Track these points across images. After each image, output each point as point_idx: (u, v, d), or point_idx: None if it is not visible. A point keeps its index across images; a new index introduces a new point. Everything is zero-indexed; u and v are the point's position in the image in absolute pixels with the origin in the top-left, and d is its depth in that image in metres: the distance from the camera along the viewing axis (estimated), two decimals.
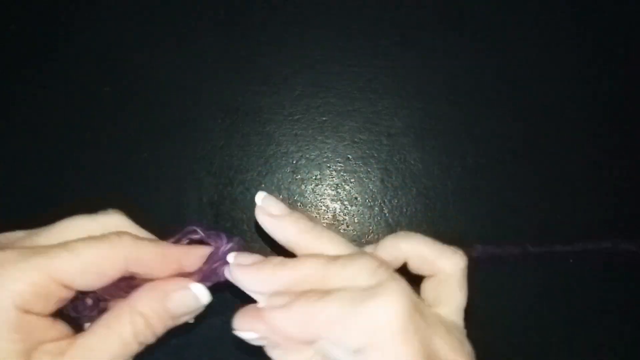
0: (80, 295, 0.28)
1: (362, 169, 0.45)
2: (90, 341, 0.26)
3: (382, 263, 0.27)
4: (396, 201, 0.44)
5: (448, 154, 0.45)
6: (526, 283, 0.43)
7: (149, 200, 0.43)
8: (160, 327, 0.28)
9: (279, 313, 0.27)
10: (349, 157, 0.45)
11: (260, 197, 0.31)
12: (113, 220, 0.29)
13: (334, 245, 0.29)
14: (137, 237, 0.28)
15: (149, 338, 0.28)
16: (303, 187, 0.45)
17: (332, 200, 0.45)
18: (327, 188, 0.45)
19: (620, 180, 0.44)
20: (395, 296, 0.25)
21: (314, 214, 0.44)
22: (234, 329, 0.28)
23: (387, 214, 0.44)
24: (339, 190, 0.45)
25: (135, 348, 0.27)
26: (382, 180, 0.45)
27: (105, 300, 0.29)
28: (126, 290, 0.28)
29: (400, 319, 0.24)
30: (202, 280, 0.29)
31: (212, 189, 0.44)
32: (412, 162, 0.45)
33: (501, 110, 0.45)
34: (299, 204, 0.44)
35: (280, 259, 0.28)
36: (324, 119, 0.45)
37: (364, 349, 0.25)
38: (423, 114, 0.45)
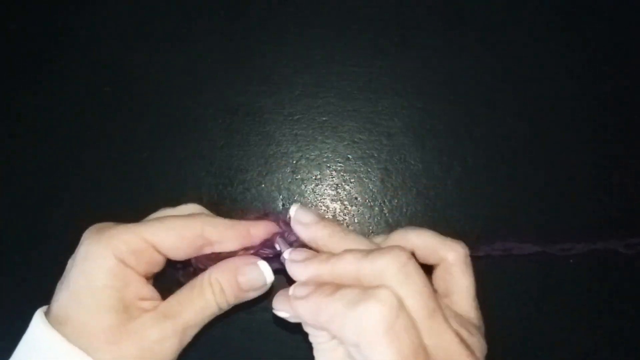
0: (182, 265, 0.35)
1: (362, 169, 0.45)
2: (178, 298, 0.32)
3: (411, 257, 0.29)
4: (396, 201, 0.44)
5: (448, 154, 0.44)
6: (526, 283, 0.43)
7: (149, 200, 0.43)
8: (232, 296, 0.33)
9: (298, 302, 0.30)
10: (349, 157, 0.45)
11: (294, 209, 0.35)
12: (190, 207, 0.36)
13: (359, 245, 0.31)
14: (212, 215, 0.35)
15: (225, 304, 0.33)
16: (303, 187, 0.45)
17: (332, 200, 0.45)
18: (327, 188, 0.45)
19: (621, 180, 0.44)
20: (384, 300, 0.27)
21: None
22: (273, 308, 0.33)
23: (387, 214, 0.44)
24: (339, 190, 0.45)
25: (215, 309, 0.33)
26: (382, 181, 0.45)
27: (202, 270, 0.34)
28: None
29: (385, 323, 0.26)
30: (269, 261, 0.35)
31: (212, 189, 0.44)
32: (412, 162, 0.45)
33: (501, 110, 0.45)
34: (298, 204, 0.44)
35: (326, 255, 0.31)
36: (324, 119, 0.45)
37: (357, 346, 0.27)
38: (423, 114, 0.45)
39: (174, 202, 0.44)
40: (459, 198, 0.44)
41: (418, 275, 0.28)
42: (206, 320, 0.33)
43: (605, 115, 0.45)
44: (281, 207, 0.44)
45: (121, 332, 0.30)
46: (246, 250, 0.35)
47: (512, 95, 0.45)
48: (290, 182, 0.45)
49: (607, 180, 0.44)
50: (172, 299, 0.32)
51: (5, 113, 0.46)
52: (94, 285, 0.30)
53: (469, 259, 0.32)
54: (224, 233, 0.34)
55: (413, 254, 0.31)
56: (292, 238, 0.35)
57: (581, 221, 0.44)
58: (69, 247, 0.33)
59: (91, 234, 0.32)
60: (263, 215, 0.36)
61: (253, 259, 0.34)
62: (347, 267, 0.29)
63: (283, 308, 0.32)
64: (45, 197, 0.44)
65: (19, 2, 0.47)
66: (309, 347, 0.43)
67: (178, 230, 0.32)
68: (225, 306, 0.33)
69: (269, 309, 0.43)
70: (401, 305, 0.27)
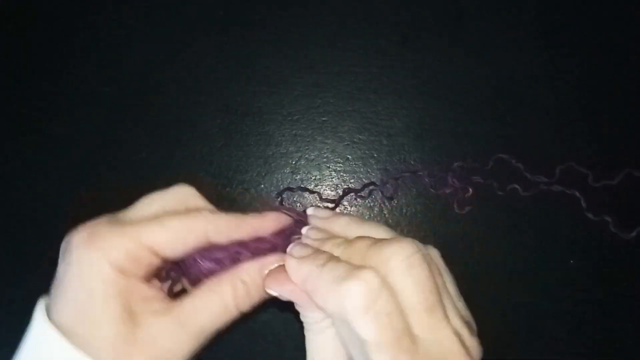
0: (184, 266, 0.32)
1: (362, 169, 0.45)
2: (195, 301, 0.30)
3: (419, 250, 0.29)
4: (396, 202, 0.44)
5: (448, 154, 0.44)
6: (526, 283, 0.43)
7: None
8: (256, 295, 0.31)
9: (293, 262, 0.30)
10: (348, 157, 0.45)
11: (311, 210, 0.36)
12: (183, 191, 0.33)
13: (376, 231, 0.32)
14: (214, 210, 0.32)
15: (246, 305, 0.31)
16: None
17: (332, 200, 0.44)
18: (327, 188, 0.45)
19: (621, 180, 0.44)
20: (366, 281, 0.27)
21: None
22: (265, 288, 0.32)
23: (386, 215, 0.44)
24: (339, 191, 0.45)
25: (234, 313, 0.31)
26: (382, 181, 0.44)
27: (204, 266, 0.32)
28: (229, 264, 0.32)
29: (363, 303, 0.26)
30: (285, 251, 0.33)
31: (211, 189, 0.44)
32: (412, 162, 0.44)
33: (501, 110, 0.45)
34: (298, 204, 0.44)
35: (341, 239, 0.31)
36: (323, 119, 0.45)
37: (338, 320, 0.28)
38: (423, 114, 0.45)
39: None
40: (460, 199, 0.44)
41: (422, 268, 0.28)
42: (224, 326, 0.31)
43: (605, 115, 0.45)
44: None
45: (130, 342, 0.28)
46: (258, 242, 0.33)
47: (512, 95, 0.45)
48: (289, 182, 0.45)
49: (608, 179, 0.44)
50: (187, 303, 0.30)
51: (4, 113, 0.46)
52: (94, 296, 0.28)
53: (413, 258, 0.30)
54: (229, 235, 0.32)
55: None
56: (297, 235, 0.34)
57: (582, 221, 0.43)
58: None
59: (82, 241, 0.29)
60: (271, 208, 0.35)
61: (279, 256, 0.32)
62: (357, 251, 0.29)
63: (274, 286, 0.31)
64: (43, 197, 0.44)
65: (19, 2, 0.47)
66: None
67: (181, 234, 0.30)
68: (247, 308, 0.32)
69: (268, 310, 0.43)
70: (384, 288, 0.27)
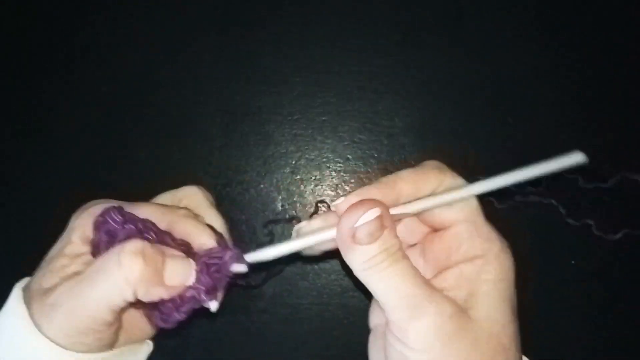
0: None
1: (362, 169, 0.45)
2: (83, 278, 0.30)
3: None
4: None
5: (449, 154, 0.44)
6: (526, 283, 0.43)
7: (147, 201, 0.43)
8: (145, 287, 0.29)
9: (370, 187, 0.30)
10: (348, 157, 0.45)
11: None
12: (191, 190, 0.37)
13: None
14: (188, 214, 0.33)
15: (130, 296, 0.29)
16: (302, 187, 0.44)
17: (332, 200, 0.44)
18: (327, 188, 0.44)
19: (621, 180, 0.44)
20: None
21: None
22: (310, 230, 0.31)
23: None
24: (339, 191, 0.44)
25: (128, 293, 0.29)
26: None
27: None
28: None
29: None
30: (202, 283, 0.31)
31: (211, 189, 0.43)
32: (413, 162, 0.44)
33: (502, 110, 0.45)
34: (298, 204, 0.44)
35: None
36: (323, 118, 0.45)
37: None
38: (424, 114, 0.45)
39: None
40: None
41: None
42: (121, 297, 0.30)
43: (606, 116, 0.45)
44: (280, 208, 0.44)
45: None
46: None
47: (513, 95, 0.45)
48: (289, 182, 0.44)
49: (608, 178, 0.44)
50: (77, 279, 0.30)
51: (3, 113, 0.46)
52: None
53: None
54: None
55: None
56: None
57: (582, 222, 0.43)
58: None
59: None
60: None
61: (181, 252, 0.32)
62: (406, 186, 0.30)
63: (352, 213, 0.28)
64: (42, 196, 0.44)
65: (18, 1, 0.47)
66: (307, 349, 0.43)
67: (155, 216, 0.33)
68: (130, 298, 0.29)
69: (268, 311, 0.43)
70: None
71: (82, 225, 0.33)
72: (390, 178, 0.31)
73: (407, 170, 0.31)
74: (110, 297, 0.29)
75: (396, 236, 0.28)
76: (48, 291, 0.30)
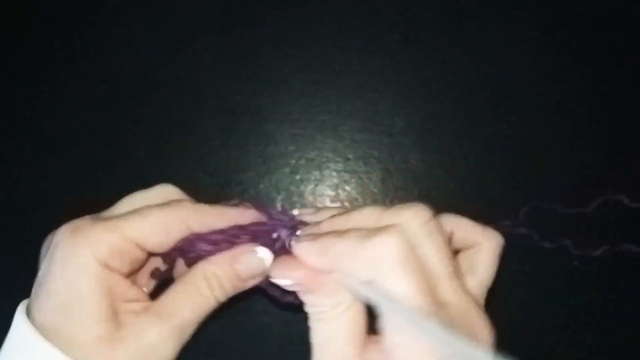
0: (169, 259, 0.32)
1: (362, 169, 0.44)
2: (172, 297, 0.30)
3: (433, 217, 0.27)
4: (397, 202, 0.44)
5: (450, 154, 0.44)
6: (526, 283, 0.43)
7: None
8: (230, 287, 0.31)
9: (304, 242, 0.29)
10: (349, 157, 0.45)
11: (298, 211, 0.35)
12: (166, 190, 0.33)
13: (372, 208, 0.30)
14: (195, 202, 0.32)
15: (222, 295, 0.31)
16: (302, 187, 0.44)
17: (332, 200, 0.44)
18: (327, 188, 0.44)
19: (621, 179, 0.44)
20: (398, 233, 0.26)
21: None
22: (271, 277, 0.30)
23: None
24: (339, 191, 0.44)
25: (213, 304, 0.30)
26: (382, 181, 0.44)
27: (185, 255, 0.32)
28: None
29: (401, 253, 0.25)
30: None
31: (210, 189, 0.44)
32: (414, 162, 0.44)
33: (503, 110, 0.45)
34: (298, 204, 0.44)
35: (347, 213, 0.30)
36: (323, 118, 0.45)
37: (371, 280, 0.26)
38: (424, 114, 0.45)
39: None
40: (462, 199, 0.43)
41: (440, 234, 0.27)
42: (204, 316, 0.31)
43: (606, 116, 0.45)
44: (280, 208, 0.44)
45: (114, 340, 0.28)
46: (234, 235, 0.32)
47: (514, 95, 0.45)
48: (289, 182, 0.44)
49: (609, 179, 0.44)
50: (166, 298, 0.30)
51: (3, 113, 0.45)
52: (80, 294, 0.28)
53: (501, 251, 0.31)
54: (211, 224, 0.32)
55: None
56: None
57: (583, 222, 0.43)
58: None
59: (66, 236, 0.29)
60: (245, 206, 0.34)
61: (248, 246, 0.32)
62: (367, 219, 0.28)
63: (282, 274, 0.29)
64: (41, 196, 0.44)
65: (18, 1, 0.47)
66: (308, 350, 0.42)
67: (164, 225, 0.30)
68: (223, 299, 0.31)
69: (267, 311, 0.42)
70: (415, 247, 0.26)
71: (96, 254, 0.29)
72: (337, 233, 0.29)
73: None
74: None
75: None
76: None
